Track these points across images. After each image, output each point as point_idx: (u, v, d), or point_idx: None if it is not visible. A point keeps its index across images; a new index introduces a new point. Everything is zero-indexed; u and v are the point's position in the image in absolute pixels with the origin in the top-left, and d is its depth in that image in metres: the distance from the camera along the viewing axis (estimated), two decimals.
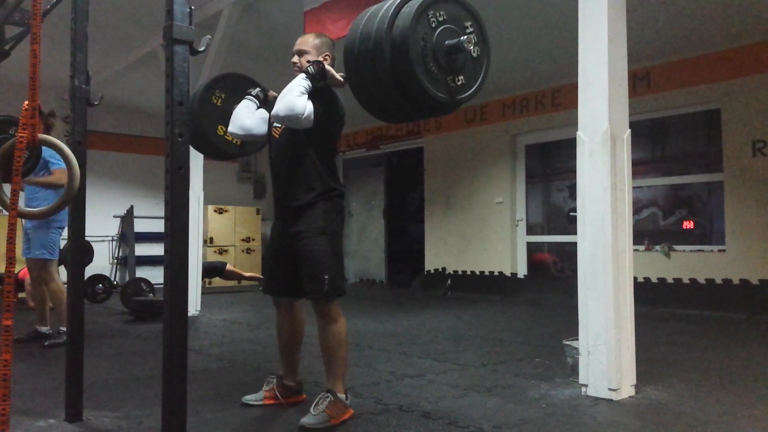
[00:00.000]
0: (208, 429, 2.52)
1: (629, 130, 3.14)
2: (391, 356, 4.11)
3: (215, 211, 10.45)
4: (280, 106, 2.55)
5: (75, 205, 2.61)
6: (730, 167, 6.34)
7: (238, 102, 2.90)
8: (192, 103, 2.84)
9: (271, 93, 2.94)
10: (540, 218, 8.63)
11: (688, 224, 7.14)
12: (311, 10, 5.29)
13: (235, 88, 3.14)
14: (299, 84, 2.56)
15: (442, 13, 2.21)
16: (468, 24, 2.29)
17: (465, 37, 2.20)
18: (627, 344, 3.04)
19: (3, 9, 3.39)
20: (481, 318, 6.33)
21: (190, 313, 4.74)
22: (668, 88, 6.78)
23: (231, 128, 2.85)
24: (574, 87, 3.18)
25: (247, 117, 2.82)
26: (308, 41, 2.80)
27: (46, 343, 4.40)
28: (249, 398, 2.90)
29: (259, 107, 2.89)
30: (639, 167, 7.01)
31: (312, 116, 2.56)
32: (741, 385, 3.26)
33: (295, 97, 2.52)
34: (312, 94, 2.59)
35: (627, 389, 3.01)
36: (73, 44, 2.64)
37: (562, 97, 7.56)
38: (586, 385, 3.04)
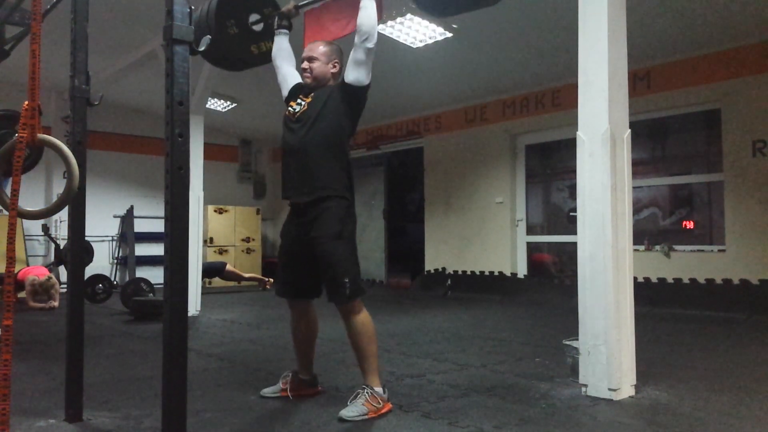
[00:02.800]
0: (208, 429, 2.52)
1: (629, 130, 3.14)
2: (391, 356, 4.10)
3: (215, 211, 10.46)
4: (373, 32, 2.67)
5: (75, 205, 2.61)
6: (730, 167, 6.34)
7: (249, 16, 3.16)
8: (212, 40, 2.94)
9: (288, 8, 3.08)
10: (540, 218, 8.63)
11: (688, 224, 7.13)
12: (311, 9, 5.26)
13: (236, 7, 3.22)
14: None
15: None
16: None
17: None
18: (627, 344, 3.03)
19: (3, 9, 3.39)
20: (481, 318, 6.33)
21: (190, 313, 4.73)
22: (668, 88, 6.78)
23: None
24: (574, 87, 3.18)
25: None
26: (318, 48, 2.86)
27: None
28: (267, 391, 3.00)
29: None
30: (639, 167, 7.01)
31: None
32: (741, 385, 3.25)
33: (376, 20, 2.69)
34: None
35: (627, 389, 3.01)
36: (73, 44, 2.64)
37: (562, 97, 7.56)
38: (586, 385, 3.04)
